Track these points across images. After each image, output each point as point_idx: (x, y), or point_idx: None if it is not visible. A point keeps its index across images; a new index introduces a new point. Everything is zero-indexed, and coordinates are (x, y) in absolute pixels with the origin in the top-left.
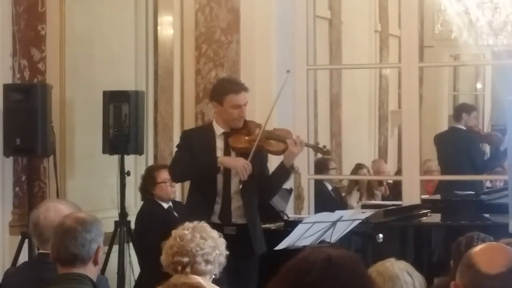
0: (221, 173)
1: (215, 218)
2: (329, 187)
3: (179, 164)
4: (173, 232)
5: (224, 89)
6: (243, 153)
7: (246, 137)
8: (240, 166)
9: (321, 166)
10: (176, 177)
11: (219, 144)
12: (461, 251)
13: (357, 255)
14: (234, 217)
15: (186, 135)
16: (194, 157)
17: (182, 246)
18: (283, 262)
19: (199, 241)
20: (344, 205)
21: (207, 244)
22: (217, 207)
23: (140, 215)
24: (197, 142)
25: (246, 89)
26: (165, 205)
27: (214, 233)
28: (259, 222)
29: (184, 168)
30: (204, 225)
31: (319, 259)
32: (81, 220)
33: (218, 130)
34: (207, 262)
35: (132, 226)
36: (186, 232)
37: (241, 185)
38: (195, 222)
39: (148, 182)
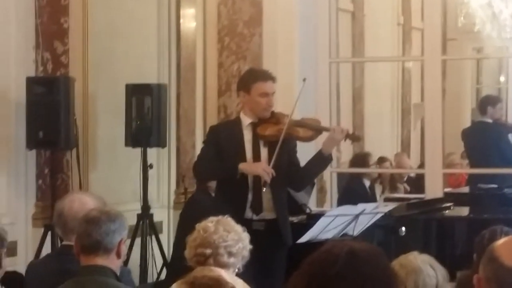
0: None
1: (248, 212)
2: (367, 184)
3: (202, 164)
4: (197, 225)
5: (252, 77)
6: (271, 142)
7: (275, 126)
8: (261, 170)
9: (360, 161)
10: (198, 176)
11: (247, 135)
12: (484, 245)
13: (379, 248)
14: (265, 210)
15: (213, 130)
16: (220, 154)
17: (205, 238)
18: (305, 255)
19: (222, 233)
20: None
21: (230, 236)
22: (249, 199)
23: (188, 203)
24: (224, 136)
25: (274, 78)
26: None
27: (238, 227)
28: (288, 215)
29: (206, 169)
30: (228, 219)
31: (342, 252)
32: (106, 212)
33: (246, 120)
34: (230, 254)
35: (155, 219)
36: (210, 224)
37: (264, 188)
38: (220, 217)
39: None
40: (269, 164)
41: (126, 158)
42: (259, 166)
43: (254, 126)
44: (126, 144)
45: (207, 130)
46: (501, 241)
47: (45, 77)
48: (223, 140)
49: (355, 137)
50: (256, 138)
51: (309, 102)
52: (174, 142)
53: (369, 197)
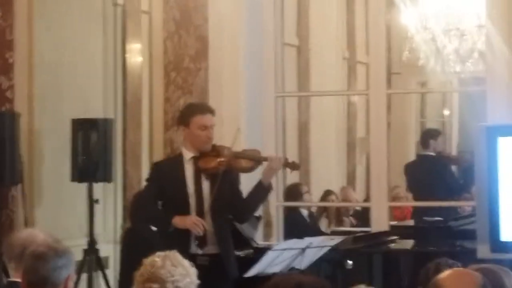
0: (194, 197)
1: (193, 247)
2: (305, 213)
3: (138, 213)
4: (144, 260)
5: (190, 111)
6: (213, 174)
7: (215, 158)
8: (191, 224)
9: (293, 192)
10: (133, 223)
11: (189, 169)
12: (430, 277)
13: (327, 282)
14: (209, 244)
15: (154, 167)
16: (162, 191)
17: (152, 273)
18: None
19: (170, 268)
20: (320, 231)
21: (178, 271)
22: (193, 234)
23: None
24: (166, 172)
25: (213, 111)
26: None
27: (185, 262)
28: (232, 247)
29: (141, 220)
30: (176, 254)
31: (290, 285)
32: (53, 247)
33: (187, 155)
34: None
35: (101, 254)
36: (157, 259)
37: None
38: (167, 252)
39: None
40: (210, 197)
41: (72, 193)
42: (188, 220)
43: (195, 160)
44: (72, 179)
45: (150, 167)
46: (445, 273)
47: None
48: (165, 176)
49: (293, 165)
50: (198, 172)
51: (256, 135)
52: (121, 176)
53: (310, 226)
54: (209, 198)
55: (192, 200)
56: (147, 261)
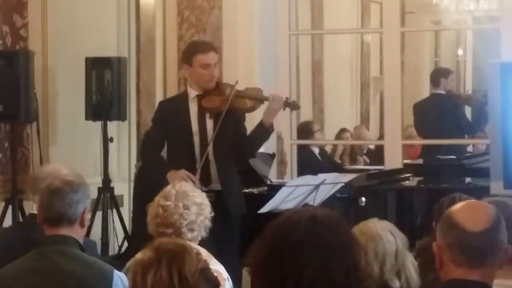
0: (198, 136)
1: (197, 184)
2: (316, 151)
3: (147, 151)
4: (156, 198)
5: (192, 49)
6: (216, 114)
7: (218, 97)
8: (179, 178)
9: (304, 131)
10: (143, 162)
11: (193, 108)
12: (444, 211)
13: (341, 215)
14: (213, 181)
15: (159, 107)
16: (167, 129)
17: (165, 217)
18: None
19: (183, 212)
20: (333, 166)
21: (191, 212)
22: (198, 172)
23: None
24: (171, 110)
25: (215, 49)
26: None
27: (198, 195)
28: (236, 185)
29: (148, 161)
30: (187, 189)
31: (304, 218)
32: (68, 182)
33: (192, 93)
34: (192, 230)
35: (115, 192)
36: (168, 202)
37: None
38: (177, 186)
39: None
40: (213, 136)
41: (87, 131)
42: (177, 175)
43: (199, 98)
44: (87, 118)
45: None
46: (458, 206)
47: (4, 50)
48: (170, 115)
49: (294, 105)
50: (202, 111)
51: (270, 74)
52: (135, 115)
53: (322, 164)
54: (211, 137)
55: (196, 139)
56: (160, 201)
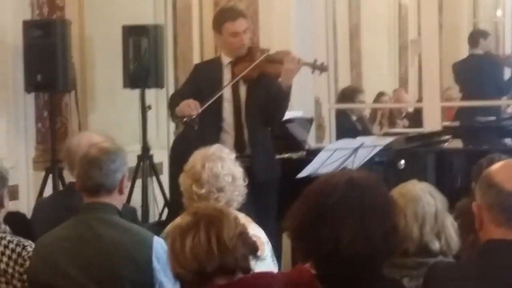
0: (230, 102)
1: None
2: (353, 118)
3: (173, 101)
4: (188, 180)
5: (221, 18)
6: (248, 80)
7: (249, 64)
8: (184, 106)
9: (347, 98)
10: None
11: (227, 74)
12: (482, 172)
13: (378, 177)
14: (247, 147)
15: (195, 68)
16: (200, 92)
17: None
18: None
19: (218, 195)
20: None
21: (226, 192)
22: (229, 138)
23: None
24: (204, 74)
25: (244, 15)
26: None
27: (228, 174)
28: (268, 151)
29: (172, 107)
30: (217, 171)
31: (341, 181)
32: (105, 150)
33: (225, 59)
34: (230, 205)
35: (155, 160)
36: (203, 191)
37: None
38: (211, 152)
39: None
40: (245, 102)
41: (125, 99)
42: (185, 104)
43: (232, 64)
44: (124, 86)
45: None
46: (496, 166)
47: (42, 20)
48: (203, 78)
49: (321, 67)
50: (235, 77)
51: (307, 39)
52: (172, 82)
53: (358, 131)
54: (244, 103)
55: (228, 105)
56: (193, 184)
